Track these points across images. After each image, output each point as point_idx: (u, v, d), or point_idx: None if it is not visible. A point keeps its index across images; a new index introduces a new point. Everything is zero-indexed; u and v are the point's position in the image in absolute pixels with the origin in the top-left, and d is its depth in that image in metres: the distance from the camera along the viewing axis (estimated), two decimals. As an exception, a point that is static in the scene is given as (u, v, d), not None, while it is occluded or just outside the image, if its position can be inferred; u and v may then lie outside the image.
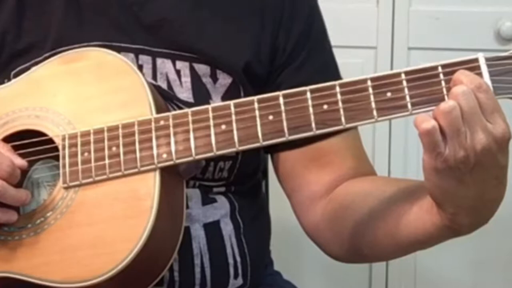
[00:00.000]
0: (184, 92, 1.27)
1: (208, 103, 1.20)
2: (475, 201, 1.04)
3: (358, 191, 1.26)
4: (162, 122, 1.15)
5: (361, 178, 1.29)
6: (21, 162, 1.16)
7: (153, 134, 1.14)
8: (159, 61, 1.28)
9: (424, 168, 1.04)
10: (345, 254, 1.29)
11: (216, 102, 1.24)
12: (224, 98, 1.27)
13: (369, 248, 1.22)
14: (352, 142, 1.32)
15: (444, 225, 1.07)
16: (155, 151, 1.14)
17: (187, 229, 1.26)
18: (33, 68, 1.26)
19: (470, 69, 1.04)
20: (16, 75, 1.28)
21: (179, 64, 1.27)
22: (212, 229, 1.29)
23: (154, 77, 1.27)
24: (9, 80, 1.27)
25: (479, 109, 1.00)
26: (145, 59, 1.27)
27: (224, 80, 1.28)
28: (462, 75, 1.03)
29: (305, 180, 1.32)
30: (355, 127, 1.31)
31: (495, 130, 1.01)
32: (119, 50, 1.25)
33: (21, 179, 1.18)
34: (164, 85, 1.27)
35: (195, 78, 1.28)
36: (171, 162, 1.13)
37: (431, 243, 1.14)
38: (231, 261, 1.30)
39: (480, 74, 1.04)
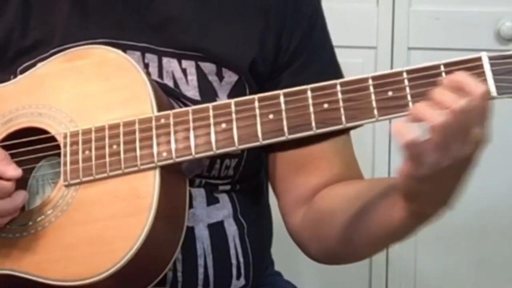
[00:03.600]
0: (191, 90, 1.27)
1: (215, 100, 1.20)
2: (444, 195, 1.08)
3: (334, 194, 1.28)
4: (162, 121, 1.15)
5: (340, 183, 1.30)
6: (14, 173, 1.15)
7: (154, 133, 1.14)
8: (164, 60, 1.27)
9: (402, 174, 1.05)
10: (322, 256, 1.32)
11: (223, 100, 1.24)
12: (230, 95, 1.27)
13: (343, 248, 1.25)
14: (341, 149, 1.32)
15: (410, 215, 1.10)
16: (155, 150, 1.14)
17: (191, 230, 1.26)
18: (37, 66, 1.26)
19: (473, 68, 1.04)
20: (22, 72, 1.28)
21: (185, 63, 1.27)
22: (216, 230, 1.29)
23: (160, 75, 1.27)
24: (15, 76, 1.28)
25: (474, 122, 1.00)
26: (150, 58, 1.27)
27: (230, 78, 1.28)
28: (467, 81, 1.01)
29: (293, 184, 1.33)
30: (348, 133, 1.32)
31: (482, 139, 1.02)
32: (125, 48, 1.25)
33: (26, 176, 1.19)
34: (170, 83, 1.27)
35: (201, 76, 1.27)
36: (170, 161, 1.13)
37: (399, 235, 1.17)
38: (234, 261, 1.30)
39: (483, 73, 1.04)
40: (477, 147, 1.02)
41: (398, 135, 1.00)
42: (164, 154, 1.13)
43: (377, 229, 1.16)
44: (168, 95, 1.24)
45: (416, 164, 1.01)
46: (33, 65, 1.27)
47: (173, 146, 1.13)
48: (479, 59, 1.05)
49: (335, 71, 1.35)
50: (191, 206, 1.24)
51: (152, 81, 1.19)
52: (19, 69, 1.28)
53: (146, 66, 1.26)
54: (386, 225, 1.14)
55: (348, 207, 1.21)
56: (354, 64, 1.98)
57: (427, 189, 1.05)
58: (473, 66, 1.04)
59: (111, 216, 1.13)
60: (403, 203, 1.09)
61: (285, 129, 1.10)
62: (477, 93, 0.99)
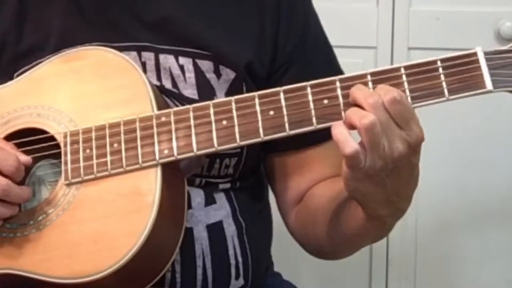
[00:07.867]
0: (189, 88, 1.27)
1: (212, 99, 1.21)
2: (391, 196, 1.11)
3: (319, 193, 1.32)
4: (163, 119, 1.15)
5: (328, 181, 1.33)
6: (25, 158, 1.17)
7: (155, 130, 1.15)
8: (161, 56, 1.28)
9: (343, 177, 1.09)
10: (315, 252, 1.37)
11: (221, 99, 1.25)
12: (228, 94, 1.27)
13: (326, 246, 1.30)
14: (334, 152, 1.32)
15: (368, 217, 1.15)
16: (156, 147, 1.14)
17: (190, 231, 1.26)
18: (35, 67, 1.26)
19: (469, 63, 1.07)
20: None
21: (182, 60, 1.28)
22: (215, 230, 1.30)
23: (158, 73, 1.27)
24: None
25: (393, 122, 1.04)
26: (147, 56, 1.28)
27: (227, 76, 1.29)
28: (381, 90, 1.06)
29: (288, 186, 1.36)
30: None
31: (410, 138, 1.05)
32: (120, 49, 1.25)
33: (24, 176, 1.19)
34: (168, 83, 1.28)
35: (199, 73, 1.28)
36: (172, 158, 1.14)
37: (369, 235, 1.22)
38: (233, 261, 1.31)
39: (479, 68, 1.06)
40: (410, 147, 1.05)
41: (341, 146, 1.05)
42: (166, 151, 1.14)
43: (348, 228, 1.21)
44: (166, 96, 1.25)
45: (355, 169, 1.06)
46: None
47: (174, 143, 1.14)
48: (474, 54, 1.07)
49: (336, 70, 1.35)
50: (189, 206, 1.25)
51: (150, 81, 1.20)
52: (16, 73, 1.28)
53: (143, 64, 1.27)
54: (354, 226, 1.19)
55: (327, 207, 1.25)
56: (354, 64, 1.96)
57: (369, 191, 1.09)
58: (469, 61, 1.07)
59: (113, 213, 1.13)
60: (360, 205, 1.14)
61: (286, 125, 1.11)
62: (389, 89, 1.05)
